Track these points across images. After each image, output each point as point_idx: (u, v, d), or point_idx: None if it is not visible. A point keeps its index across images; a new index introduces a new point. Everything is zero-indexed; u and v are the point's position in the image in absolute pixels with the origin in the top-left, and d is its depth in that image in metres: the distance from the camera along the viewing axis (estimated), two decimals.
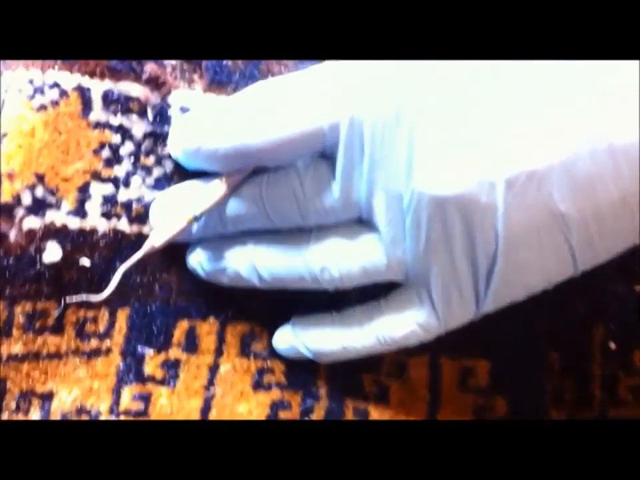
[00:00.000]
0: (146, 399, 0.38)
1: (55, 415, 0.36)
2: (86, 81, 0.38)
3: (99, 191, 0.37)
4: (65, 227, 0.37)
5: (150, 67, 0.39)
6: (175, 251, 0.38)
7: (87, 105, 0.37)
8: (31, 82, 0.37)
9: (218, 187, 0.35)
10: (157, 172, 0.38)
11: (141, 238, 0.38)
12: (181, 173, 0.39)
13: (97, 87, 0.38)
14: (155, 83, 0.39)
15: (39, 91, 0.37)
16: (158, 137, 0.39)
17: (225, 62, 0.40)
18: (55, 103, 0.37)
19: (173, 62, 0.39)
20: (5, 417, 0.35)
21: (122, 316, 0.38)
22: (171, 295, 0.38)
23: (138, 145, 0.38)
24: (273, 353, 0.39)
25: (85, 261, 0.37)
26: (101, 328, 0.38)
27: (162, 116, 0.39)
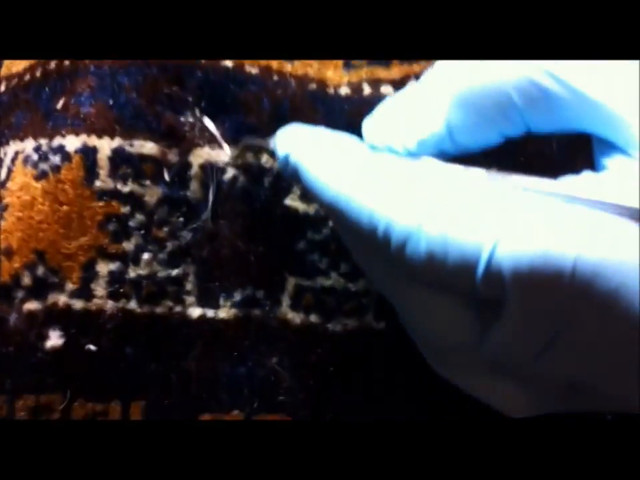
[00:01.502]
0: None
1: None
2: (92, 141, 0.33)
3: (105, 268, 0.33)
4: (68, 308, 0.33)
5: (167, 120, 0.34)
6: (192, 333, 0.34)
7: (91, 170, 0.33)
8: (37, 149, 0.33)
9: None
10: (170, 245, 0.34)
11: (153, 319, 0.34)
12: (201, 245, 0.34)
13: (105, 147, 0.33)
14: (173, 138, 0.34)
15: (43, 157, 0.33)
16: (174, 203, 0.34)
17: (246, 120, 0.34)
18: (56, 169, 0.33)
19: (191, 118, 0.34)
20: None
21: (136, 410, 0.34)
22: (190, 385, 0.35)
23: (150, 215, 0.34)
24: None
25: (91, 347, 0.33)
26: None
27: (180, 177, 0.34)
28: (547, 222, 0.20)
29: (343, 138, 0.26)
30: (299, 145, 0.26)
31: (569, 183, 0.22)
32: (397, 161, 0.25)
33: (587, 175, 0.24)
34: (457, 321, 0.23)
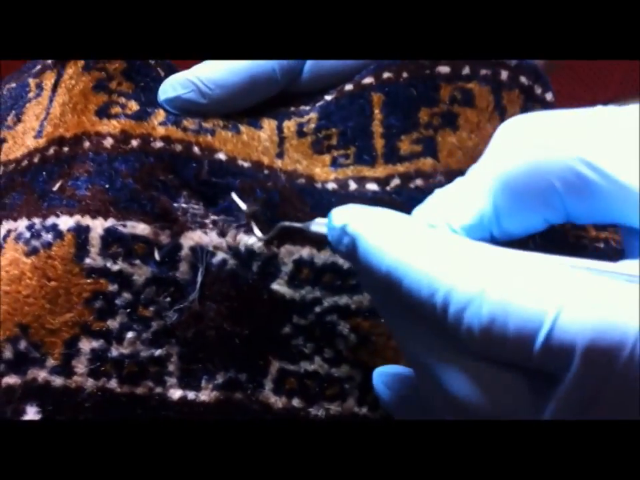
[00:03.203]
0: None
1: None
2: (86, 220, 0.34)
3: (88, 345, 0.33)
4: (47, 384, 0.33)
5: (161, 203, 0.35)
6: (172, 415, 0.34)
7: (82, 247, 0.33)
8: (30, 227, 0.34)
9: None
10: (155, 325, 0.34)
11: (133, 400, 0.33)
12: (186, 325, 0.34)
13: (98, 226, 0.34)
14: (166, 221, 0.35)
15: (36, 235, 0.34)
16: (162, 283, 0.34)
17: (235, 205, 0.36)
18: (47, 245, 0.33)
19: (184, 204, 0.35)
20: None
21: None
22: None
23: (137, 294, 0.34)
24: None
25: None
26: None
27: (170, 258, 0.35)
28: (611, 294, 0.20)
29: (398, 214, 0.27)
30: (358, 217, 0.27)
31: (625, 265, 0.23)
32: (454, 236, 0.25)
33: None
34: (509, 394, 0.23)
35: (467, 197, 0.27)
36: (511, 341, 0.21)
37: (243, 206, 0.35)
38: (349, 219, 0.27)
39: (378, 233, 0.25)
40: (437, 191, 0.28)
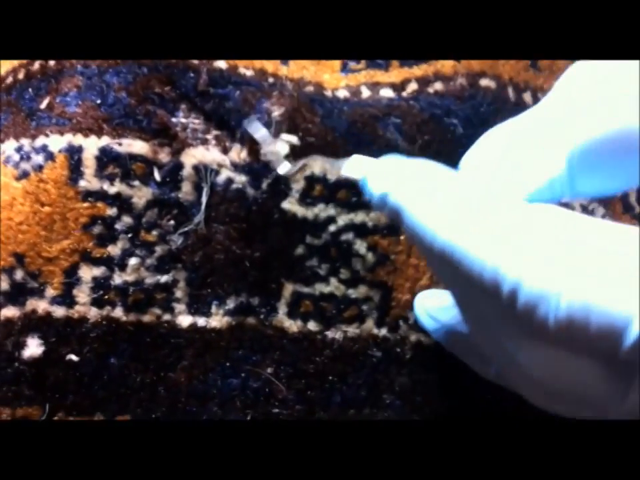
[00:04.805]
0: None
1: None
2: (78, 140, 0.31)
3: (89, 273, 0.31)
4: (48, 316, 0.31)
5: (159, 118, 0.32)
6: (182, 343, 0.32)
7: (75, 169, 0.31)
8: (19, 149, 0.31)
9: None
10: (160, 250, 0.32)
11: (140, 328, 0.32)
12: (192, 250, 0.32)
13: (92, 146, 0.31)
14: (165, 137, 0.32)
15: (25, 157, 0.31)
16: (164, 205, 0.32)
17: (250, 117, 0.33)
18: (39, 168, 0.31)
19: (183, 119, 0.32)
20: None
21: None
22: (179, 398, 0.32)
23: (138, 217, 0.32)
24: None
25: (72, 357, 0.31)
26: None
27: (172, 178, 0.32)
28: None
29: (445, 173, 0.23)
30: (400, 184, 0.23)
31: None
32: (517, 208, 0.22)
33: None
34: (590, 381, 0.21)
35: (539, 158, 0.23)
36: (591, 340, 0.19)
37: (269, 138, 0.32)
38: (389, 186, 0.23)
39: (426, 207, 0.22)
40: (490, 137, 0.24)
